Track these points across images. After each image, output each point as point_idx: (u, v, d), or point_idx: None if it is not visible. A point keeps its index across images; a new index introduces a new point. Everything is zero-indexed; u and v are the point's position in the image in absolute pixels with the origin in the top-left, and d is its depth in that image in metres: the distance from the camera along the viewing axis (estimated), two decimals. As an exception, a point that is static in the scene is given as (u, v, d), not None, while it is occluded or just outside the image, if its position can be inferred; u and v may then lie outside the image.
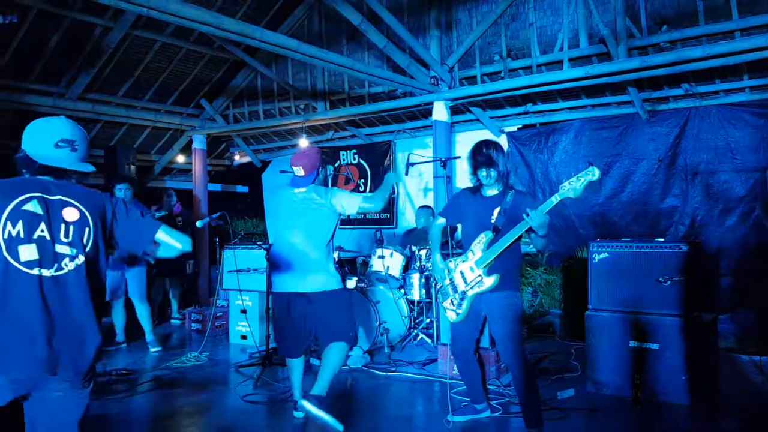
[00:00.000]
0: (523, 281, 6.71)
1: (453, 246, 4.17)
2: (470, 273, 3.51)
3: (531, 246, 3.98)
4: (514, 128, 7.60)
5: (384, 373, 5.02)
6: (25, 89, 6.92)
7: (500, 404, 4.08)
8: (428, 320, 6.09)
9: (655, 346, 4.12)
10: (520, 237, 3.38)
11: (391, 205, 8.42)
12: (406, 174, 6.03)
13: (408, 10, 7.14)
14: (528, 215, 3.17)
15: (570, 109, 7.01)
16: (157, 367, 5.36)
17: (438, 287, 3.78)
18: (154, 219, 2.43)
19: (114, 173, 7.51)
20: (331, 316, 3.66)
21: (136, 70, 7.61)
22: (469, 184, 3.66)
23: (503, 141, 7.46)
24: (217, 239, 7.30)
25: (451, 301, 3.62)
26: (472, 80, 6.94)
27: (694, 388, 4.00)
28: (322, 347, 3.72)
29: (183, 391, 4.66)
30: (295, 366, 3.89)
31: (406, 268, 6.28)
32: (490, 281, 3.42)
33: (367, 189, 8.62)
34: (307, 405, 3.47)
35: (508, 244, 3.35)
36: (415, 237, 6.51)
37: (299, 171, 3.73)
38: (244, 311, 6.20)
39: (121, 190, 5.79)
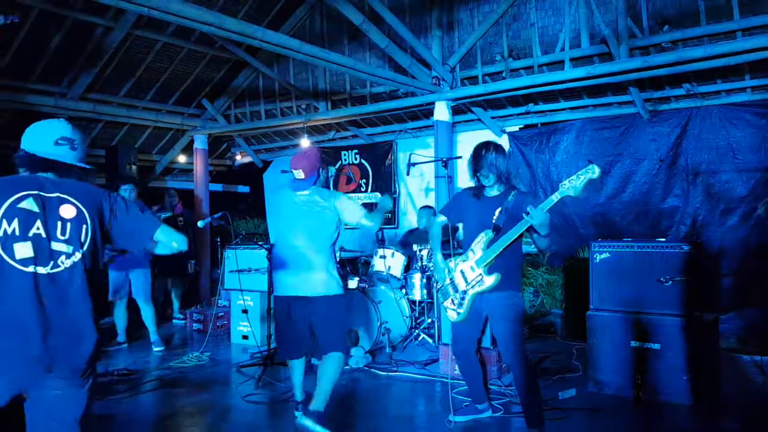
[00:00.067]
0: (524, 281, 6.71)
1: (454, 246, 4.18)
2: (471, 272, 3.51)
3: (533, 246, 3.99)
4: (515, 128, 7.60)
5: (385, 373, 5.02)
6: (26, 89, 6.93)
7: (502, 404, 4.08)
8: (429, 320, 6.10)
9: (656, 346, 4.12)
10: (521, 236, 3.38)
11: (392, 204, 8.41)
12: (408, 174, 6.04)
13: (409, 10, 7.14)
14: (528, 214, 3.17)
15: (571, 109, 7.01)
16: (158, 367, 5.36)
17: (438, 287, 3.78)
18: (155, 216, 2.43)
19: (115, 173, 7.52)
20: (329, 323, 3.61)
21: (138, 70, 7.61)
22: (471, 184, 3.66)
23: (505, 141, 7.46)
24: (219, 239, 7.31)
25: (452, 301, 3.62)
26: (473, 80, 6.94)
27: (696, 388, 4.00)
28: (319, 351, 3.69)
29: (184, 391, 4.66)
30: (297, 366, 3.88)
31: (408, 268, 6.29)
32: (490, 280, 3.42)
33: (369, 189, 8.63)
34: (308, 422, 3.43)
35: (508, 243, 3.35)
36: (417, 237, 6.51)
37: (299, 174, 3.68)
38: (245, 311, 6.20)
39: (126, 191, 5.81)
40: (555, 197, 3.20)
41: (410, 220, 8.16)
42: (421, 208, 6.93)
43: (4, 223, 2.00)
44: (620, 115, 6.70)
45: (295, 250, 3.63)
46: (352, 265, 7.23)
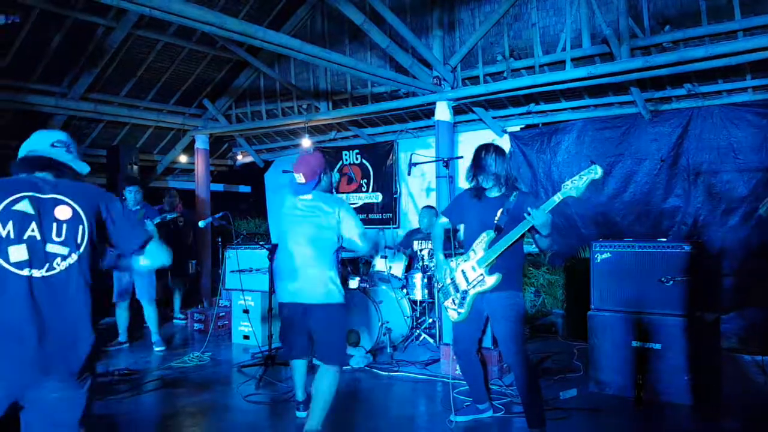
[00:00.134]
0: (525, 281, 6.71)
1: (456, 246, 4.18)
2: (472, 272, 3.51)
3: (534, 246, 3.99)
4: (516, 128, 7.59)
5: (386, 373, 5.02)
6: (27, 89, 6.94)
7: (503, 404, 4.08)
8: (431, 320, 6.10)
9: (657, 346, 4.12)
10: (523, 236, 3.38)
11: (393, 204, 8.43)
12: (409, 174, 6.05)
13: (411, 10, 7.14)
14: (530, 214, 3.17)
15: (573, 109, 7.00)
16: (159, 367, 5.37)
17: (439, 286, 3.78)
18: (151, 226, 2.45)
19: (117, 173, 7.53)
20: (328, 332, 3.55)
21: (139, 69, 7.62)
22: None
23: (506, 141, 7.46)
24: (220, 239, 7.31)
25: (453, 301, 3.62)
26: (474, 80, 6.94)
27: (697, 388, 3.99)
28: (317, 357, 3.64)
29: (185, 391, 4.66)
30: (299, 366, 3.88)
31: (409, 268, 6.29)
32: (491, 280, 3.42)
33: (370, 189, 8.64)
34: None
35: (510, 243, 3.35)
36: (418, 237, 6.52)
37: (300, 178, 3.61)
38: (246, 311, 6.20)
39: (131, 192, 5.80)
40: (557, 198, 3.19)
41: (411, 220, 8.16)
42: (422, 208, 6.93)
43: None
44: (621, 115, 6.69)
45: (296, 256, 3.56)
46: (353, 264, 7.23)
